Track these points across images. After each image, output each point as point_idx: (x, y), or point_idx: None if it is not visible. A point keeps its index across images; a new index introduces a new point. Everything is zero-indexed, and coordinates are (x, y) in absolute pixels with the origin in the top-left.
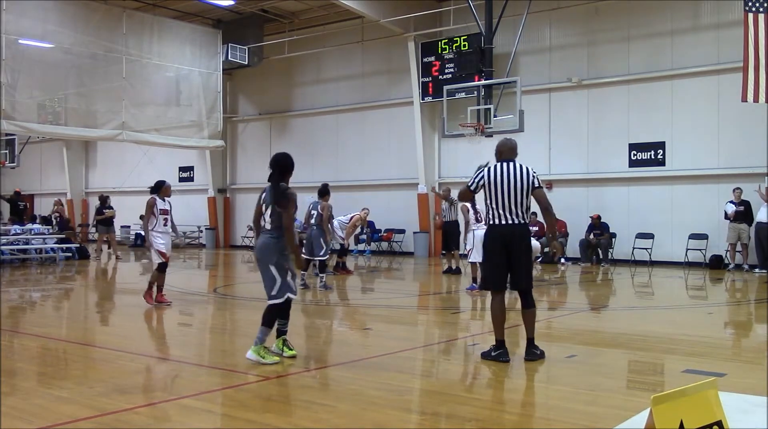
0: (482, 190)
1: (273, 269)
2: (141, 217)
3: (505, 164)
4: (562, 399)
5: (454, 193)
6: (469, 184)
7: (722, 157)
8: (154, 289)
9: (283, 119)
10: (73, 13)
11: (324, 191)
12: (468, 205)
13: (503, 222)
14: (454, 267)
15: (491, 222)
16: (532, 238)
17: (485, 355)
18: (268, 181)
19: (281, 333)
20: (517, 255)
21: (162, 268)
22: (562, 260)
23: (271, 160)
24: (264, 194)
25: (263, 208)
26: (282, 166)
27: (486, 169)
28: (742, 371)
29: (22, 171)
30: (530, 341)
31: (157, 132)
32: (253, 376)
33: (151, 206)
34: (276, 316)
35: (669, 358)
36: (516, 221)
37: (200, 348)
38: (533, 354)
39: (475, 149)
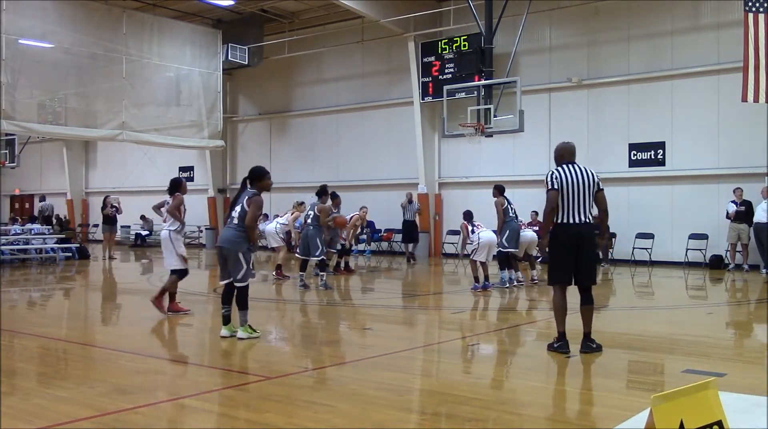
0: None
1: (241, 256)
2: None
3: (573, 166)
4: (562, 399)
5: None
6: (553, 186)
7: (722, 157)
8: (166, 296)
9: (283, 119)
10: (73, 13)
11: (320, 192)
12: (467, 223)
13: (574, 221)
14: (413, 255)
15: (562, 221)
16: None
17: (549, 347)
18: (241, 185)
19: (228, 319)
20: (585, 253)
21: (183, 274)
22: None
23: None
24: (236, 195)
25: (233, 205)
26: (251, 174)
27: (558, 170)
28: (742, 371)
29: (22, 171)
30: (587, 335)
31: (157, 132)
32: (253, 376)
33: (180, 204)
34: (247, 296)
35: (669, 358)
36: (586, 220)
37: (200, 348)
38: (589, 347)
39: (475, 149)
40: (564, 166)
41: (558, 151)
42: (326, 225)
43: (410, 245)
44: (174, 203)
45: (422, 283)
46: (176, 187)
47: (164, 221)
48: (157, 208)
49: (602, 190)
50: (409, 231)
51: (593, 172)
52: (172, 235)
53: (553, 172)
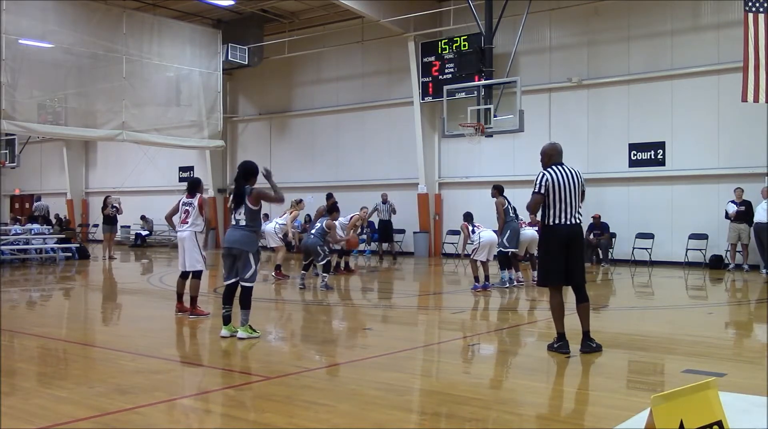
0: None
1: (251, 257)
2: (162, 218)
3: (563, 167)
4: (562, 399)
5: (391, 199)
6: (537, 189)
7: (722, 157)
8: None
9: (283, 119)
10: (73, 13)
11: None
12: (467, 224)
13: (567, 222)
14: (394, 253)
15: (554, 222)
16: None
17: (549, 347)
18: (234, 183)
19: (228, 319)
20: (576, 253)
21: (200, 275)
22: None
23: (239, 166)
24: (231, 196)
25: (233, 207)
26: (246, 171)
27: (549, 171)
28: (742, 371)
29: (22, 171)
30: (586, 334)
31: (157, 132)
32: (253, 376)
33: (207, 205)
34: (251, 296)
35: (669, 358)
36: (577, 221)
37: (200, 348)
38: (589, 346)
39: (475, 149)
40: (554, 167)
41: (547, 152)
42: (334, 241)
43: (386, 244)
44: (206, 205)
45: (422, 283)
46: (196, 186)
47: (183, 222)
48: (170, 217)
49: (584, 190)
50: (386, 230)
51: (579, 172)
52: (198, 237)
53: (544, 175)
